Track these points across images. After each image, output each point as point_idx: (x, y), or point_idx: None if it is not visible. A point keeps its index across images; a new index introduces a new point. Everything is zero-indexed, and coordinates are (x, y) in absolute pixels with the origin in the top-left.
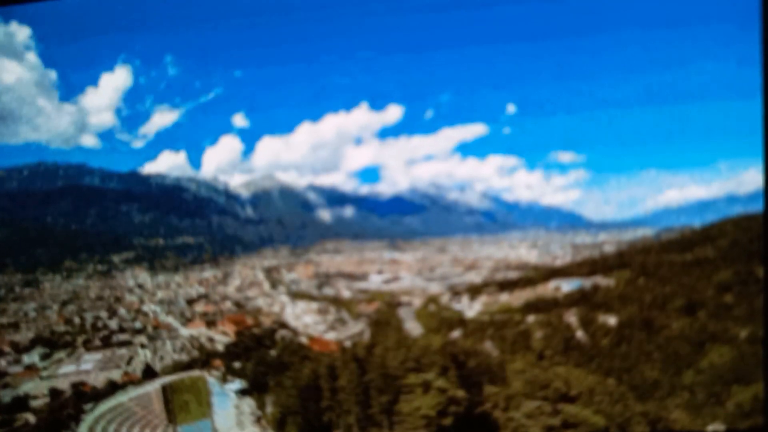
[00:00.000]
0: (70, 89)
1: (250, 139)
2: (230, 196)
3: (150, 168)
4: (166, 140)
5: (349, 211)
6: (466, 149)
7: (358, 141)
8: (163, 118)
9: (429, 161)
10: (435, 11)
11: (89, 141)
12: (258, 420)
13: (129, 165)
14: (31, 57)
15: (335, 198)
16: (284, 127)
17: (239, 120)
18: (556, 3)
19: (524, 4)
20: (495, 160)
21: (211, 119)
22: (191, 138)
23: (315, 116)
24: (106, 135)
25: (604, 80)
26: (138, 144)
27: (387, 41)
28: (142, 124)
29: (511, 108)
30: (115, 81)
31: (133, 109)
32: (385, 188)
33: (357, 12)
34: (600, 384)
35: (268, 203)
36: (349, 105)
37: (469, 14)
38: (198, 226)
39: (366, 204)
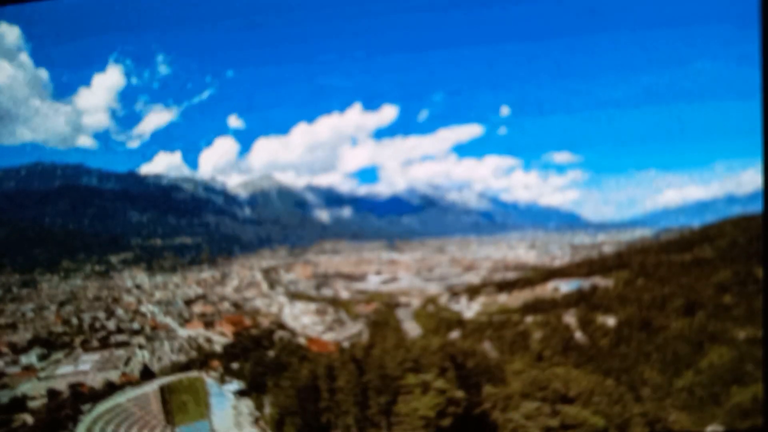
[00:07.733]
0: (63, 89)
1: (246, 140)
2: (228, 197)
3: (148, 168)
4: (162, 140)
5: (347, 212)
6: (463, 149)
7: (355, 141)
8: (158, 118)
9: (426, 161)
10: (431, 11)
11: (86, 141)
12: (256, 421)
13: (126, 165)
14: (24, 57)
15: (333, 198)
16: (280, 127)
17: (234, 121)
18: (553, 2)
19: (521, 4)
20: (493, 161)
21: (206, 120)
22: (187, 138)
23: (310, 117)
24: (101, 135)
25: (602, 80)
26: (134, 144)
27: (382, 41)
28: (137, 125)
29: (507, 108)
30: (108, 81)
31: (127, 109)
32: (383, 188)
33: (352, 12)
34: (599, 385)
35: (266, 203)
36: (344, 105)
37: (465, 14)
38: (196, 226)
39: (364, 204)
